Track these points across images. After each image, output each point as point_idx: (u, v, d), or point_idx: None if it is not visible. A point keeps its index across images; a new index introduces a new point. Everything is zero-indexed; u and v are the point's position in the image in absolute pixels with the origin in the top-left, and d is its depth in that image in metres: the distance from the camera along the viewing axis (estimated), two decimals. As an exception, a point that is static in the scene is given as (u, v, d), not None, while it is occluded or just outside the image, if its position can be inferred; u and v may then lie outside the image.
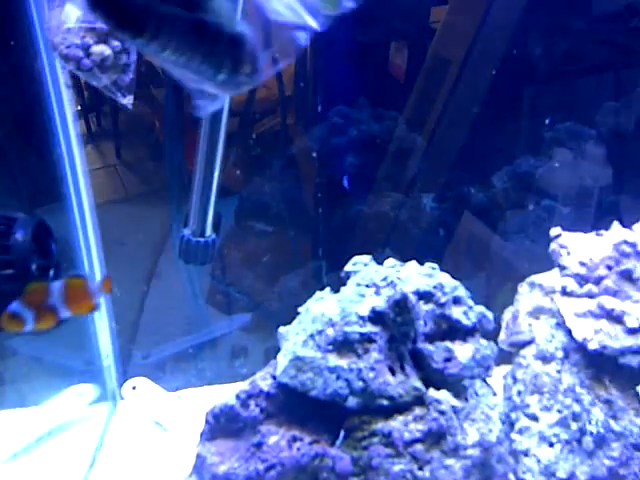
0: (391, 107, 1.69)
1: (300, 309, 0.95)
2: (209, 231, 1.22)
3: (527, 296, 1.10)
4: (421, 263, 1.59)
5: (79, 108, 2.06)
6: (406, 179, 1.67)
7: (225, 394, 1.21)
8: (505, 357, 1.07)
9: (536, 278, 1.11)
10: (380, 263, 1.45)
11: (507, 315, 1.12)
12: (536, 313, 1.07)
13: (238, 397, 0.90)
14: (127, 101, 1.05)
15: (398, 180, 1.66)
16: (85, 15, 0.93)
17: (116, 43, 0.96)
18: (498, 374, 1.03)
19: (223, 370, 1.33)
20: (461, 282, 1.56)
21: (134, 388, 1.19)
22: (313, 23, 0.68)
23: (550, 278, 1.08)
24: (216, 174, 1.21)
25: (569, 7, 1.71)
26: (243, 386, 0.91)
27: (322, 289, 1.09)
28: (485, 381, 0.97)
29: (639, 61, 1.64)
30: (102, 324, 1.20)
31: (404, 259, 1.55)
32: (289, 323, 0.98)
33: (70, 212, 1.17)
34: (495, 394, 0.97)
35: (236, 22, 0.65)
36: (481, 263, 1.46)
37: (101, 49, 0.96)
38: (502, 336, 1.10)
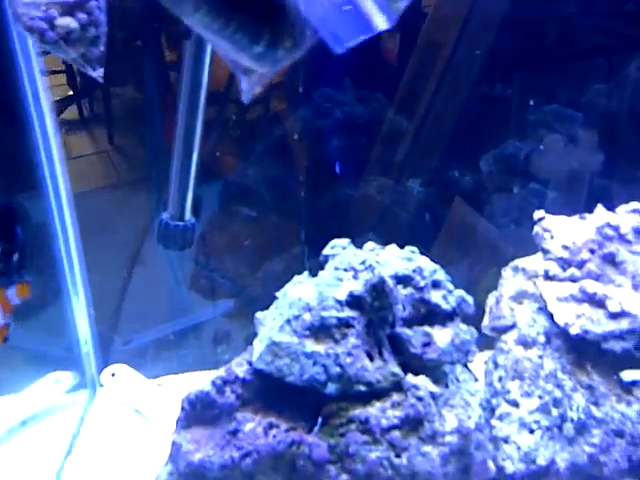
0: (384, 91, 1.67)
1: (278, 294, 0.93)
2: (188, 215, 1.20)
3: (511, 280, 1.09)
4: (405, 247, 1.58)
5: (71, 93, 2.02)
6: (393, 163, 1.65)
7: (206, 381, 1.19)
8: (489, 343, 1.06)
9: (520, 262, 1.09)
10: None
11: (491, 300, 1.11)
12: (519, 297, 1.06)
13: (214, 383, 0.88)
14: (97, 74, 1.02)
15: (385, 164, 1.64)
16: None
17: (82, 15, 0.94)
18: (482, 359, 1.02)
19: (205, 356, 1.31)
20: (448, 266, 1.55)
21: (113, 375, 1.17)
22: (381, 21, 0.61)
23: (533, 262, 1.06)
24: (195, 156, 1.19)
25: None
26: (219, 372, 0.89)
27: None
28: (466, 366, 0.96)
29: (633, 46, 1.61)
30: (80, 310, 1.18)
31: (390, 243, 1.54)
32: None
33: (46, 198, 1.15)
34: (477, 380, 0.96)
35: None
36: (467, 247, 1.45)
37: (66, 22, 0.93)
38: (485, 321, 1.09)
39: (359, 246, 1.23)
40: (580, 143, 1.36)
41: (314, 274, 0.98)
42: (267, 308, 0.99)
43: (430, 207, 1.63)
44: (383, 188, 1.57)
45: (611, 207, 1.05)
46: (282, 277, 1.48)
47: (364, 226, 1.50)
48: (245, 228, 1.56)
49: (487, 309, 1.11)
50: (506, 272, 1.12)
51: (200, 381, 1.21)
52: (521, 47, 1.57)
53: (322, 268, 0.93)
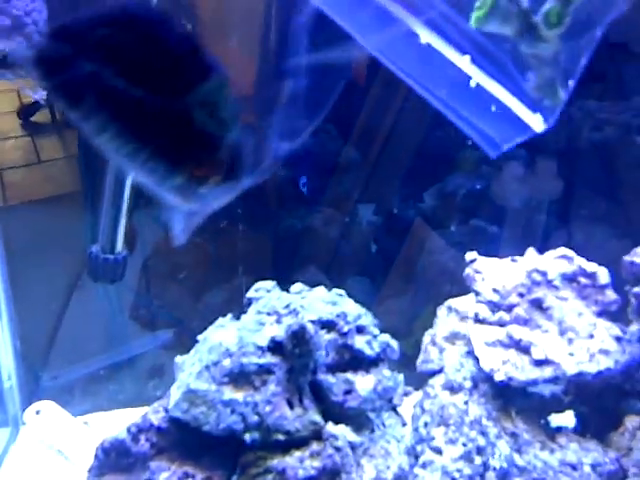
0: (335, 122, 1.65)
1: (199, 337, 0.90)
2: (119, 247, 1.17)
3: (444, 320, 1.08)
4: (349, 279, 1.57)
5: (45, 98, 1.97)
6: (341, 194, 1.64)
7: (134, 419, 1.16)
8: (425, 381, 1.05)
9: (453, 302, 1.08)
10: (304, 282, 1.41)
11: (427, 339, 1.10)
12: (452, 339, 1.05)
13: (129, 431, 0.85)
14: (39, 96, 0.99)
15: (332, 195, 1.63)
16: None
17: (20, 39, 0.92)
18: (415, 401, 1.01)
19: (137, 392, 1.27)
20: (391, 299, 1.54)
21: (38, 413, 1.13)
22: (536, 122, 0.58)
23: (466, 303, 1.06)
24: (127, 185, 1.16)
25: None
26: (135, 419, 0.86)
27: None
28: (395, 410, 0.95)
29: (592, 77, 1.63)
30: (4, 343, 1.14)
31: (334, 277, 1.52)
32: None
33: None
34: (404, 424, 0.95)
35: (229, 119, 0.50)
36: (409, 282, 1.44)
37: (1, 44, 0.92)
38: (420, 359, 1.08)
39: (295, 282, 1.21)
40: (524, 180, 1.37)
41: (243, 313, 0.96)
42: None
43: (376, 239, 1.62)
44: (329, 220, 1.56)
45: (549, 246, 1.05)
46: (222, 309, 1.46)
47: (308, 259, 1.48)
48: (187, 256, 1.53)
49: (423, 347, 1.10)
50: (441, 311, 1.11)
51: (129, 418, 1.18)
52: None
53: (244, 312, 0.91)
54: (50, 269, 1.48)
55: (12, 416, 1.14)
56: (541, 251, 1.02)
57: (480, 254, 1.14)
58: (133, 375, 1.32)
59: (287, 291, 0.98)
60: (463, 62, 0.58)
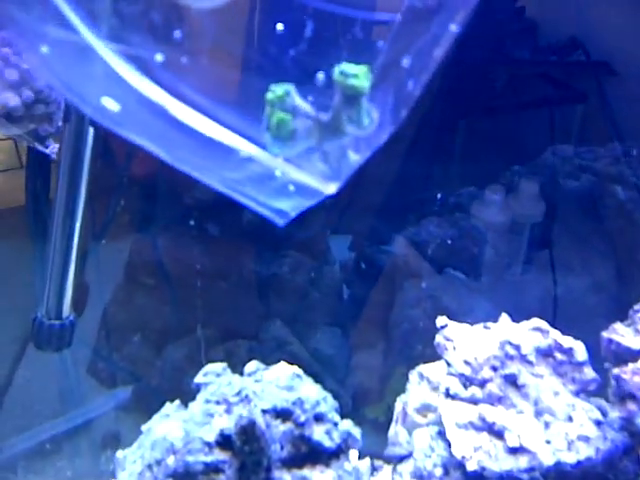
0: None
1: (143, 427, 0.82)
2: (67, 311, 1.09)
3: (416, 388, 1.01)
4: (318, 331, 1.49)
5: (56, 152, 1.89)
6: (312, 236, 1.57)
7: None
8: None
9: (424, 369, 1.01)
10: (268, 338, 1.34)
11: (398, 406, 1.03)
12: (424, 411, 0.98)
13: (63, 538, 0.76)
14: (50, 150, 0.96)
15: (303, 237, 1.56)
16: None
17: (28, 93, 0.87)
18: (385, 477, 0.94)
19: (87, 467, 1.18)
20: (363, 351, 1.46)
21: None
22: (327, 186, 0.55)
23: (437, 371, 0.99)
24: (75, 244, 1.08)
25: (515, 35, 1.65)
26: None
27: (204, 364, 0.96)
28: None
29: (574, 97, 1.58)
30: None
31: (301, 329, 1.44)
32: (170, 401, 0.86)
33: None
34: (371, 512, 0.87)
35: None
36: (381, 335, 1.37)
37: (5, 99, 0.86)
38: (391, 431, 1.01)
39: (265, 340, 1.12)
40: (499, 227, 1.31)
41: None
42: (164, 400, 0.89)
43: (348, 283, 1.55)
44: (298, 265, 1.48)
45: (530, 300, 0.99)
46: (182, 367, 1.38)
47: (274, 310, 1.40)
48: (146, 307, 1.45)
49: (394, 416, 1.03)
50: (412, 376, 1.04)
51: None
52: (465, 98, 1.52)
53: (193, 398, 0.83)
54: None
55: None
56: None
57: (453, 307, 1.07)
58: (85, 445, 1.23)
59: (252, 351, 0.90)
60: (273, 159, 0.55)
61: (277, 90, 0.48)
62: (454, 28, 0.46)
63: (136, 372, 1.39)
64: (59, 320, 1.08)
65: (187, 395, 0.89)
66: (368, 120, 0.48)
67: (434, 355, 1.04)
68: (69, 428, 1.24)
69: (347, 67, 0.46)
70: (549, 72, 1.67)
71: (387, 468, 1.03)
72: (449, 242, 1.27)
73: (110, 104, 0.48)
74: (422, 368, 1.03)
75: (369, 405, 1.19)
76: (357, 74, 0.46)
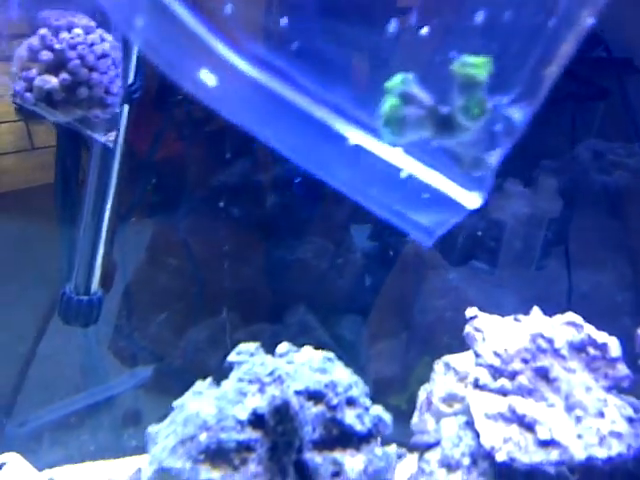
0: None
1: (175, 403, 0.83)
2: (95, 288, 1.10)
3: (442, 378, 1.01)
4: (342, 318, 1.49)
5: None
6: (335, 223, 1.57)
7: (107, 473, 1.08)
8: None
9: (451, 359, 1.01)
10: (292, 323, 1.34)
11: (422, 395, 1.03)
12: (449, 400, 0.98)
13: (96, 509, 0.77)
14: (106, 139, 0.94)
15: (326, 224, 1.56)
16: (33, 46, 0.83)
17: (65, 75, 0.85)
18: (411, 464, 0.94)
19: (110, 442, 1.19)
20: (383, 343, 1.46)
21: (1, 467, 1.04)
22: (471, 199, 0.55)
23: (465, 362, 0.99)
24: (105, 222, 1.09)
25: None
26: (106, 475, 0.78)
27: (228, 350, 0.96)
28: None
29: (596, 93, 1.57)
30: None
31: (324, 316, 1.44)
32: (191, 384, 0.86)
33: None
34: (396, 499, 0.87)
35: None
36: (404, 324, 1.37)
37: (42, 81, 0.85)
38: (415, 419, 1.01)
39: (289, 325, 1.12)
40: (526, 221, 1.30)
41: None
42: (184, 383, 0.89)
43: (370, 271, 1.55)
44: (321, 252, 1.48)
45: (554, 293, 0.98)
46: (205, 349, 1.39)
47: (297, 296, 1.40)
48: (170, 287, 1.45)
49: (418, 404, 1.03)
50: (438, 366, 1.04)
51: (100, 473, 1.10)
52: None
53: (226, 376, 0.83)
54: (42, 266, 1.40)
55: (-26, 468, 1.06)
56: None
57: (478, 299, 1.07)
58: (107, 421, 1.24)
59: (276, 335, 0.91)
60: (395, 155, 0.55)
61: (396, 77, 0.48)
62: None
63: (158, 352, 1.40)
64: (87, 296, 1.09)
65: (209, 376, 0.89)
66: (482, 112, 0.47)
67: (459, 346, 1.04)
68: (91, 404, 1.25)
69: (468, 58, 0.45)
70: (570, 68, 1.65)
71: (410, 456, 1.03)
72: (479, 233, 1.26)
73: (208, 78, 0.48)
74: (448, 358, 1.03)
75: (391, 393, 1.18)
76: (476, 64, 0.45)
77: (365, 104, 0.52)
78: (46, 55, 0.84)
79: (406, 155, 0.55)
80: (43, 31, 0.85)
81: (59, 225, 1.20)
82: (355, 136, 0.54)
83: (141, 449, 1.08)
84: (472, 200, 0.56)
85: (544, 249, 1.41)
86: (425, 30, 0.48)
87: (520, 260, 1.29)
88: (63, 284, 1.12)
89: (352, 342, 1.35)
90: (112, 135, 0.94)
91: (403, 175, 0.55)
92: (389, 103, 0.47)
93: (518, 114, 0.49)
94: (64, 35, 0.85)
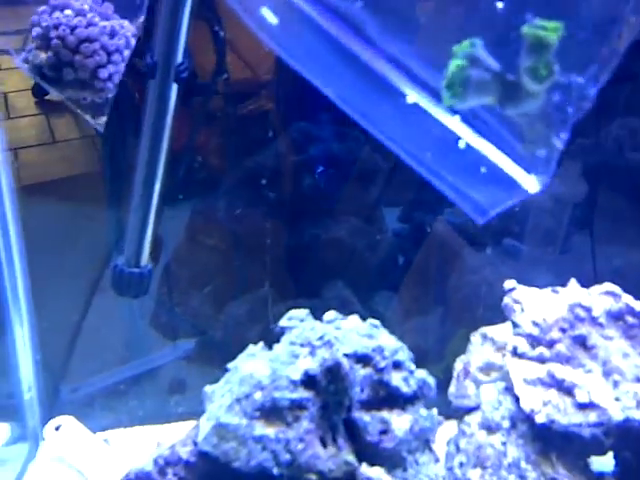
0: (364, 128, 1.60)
1: (230, 365, 0.87)
2: (145, 260, 1.14)
3: (479, 349, 1.05)
4: (377, 294, 1.53)
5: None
6: (367, 203, 1.61)
7: (156, 437, 1.13)
8: (456, 411, 1.01)
9: (488, 330, 1.05)
10: (331, 297, 1.38)
11: (459, 365, 1.06)
12: (487, 369, 1.01)
13: (156, 463, 0.82)
14: (95, 122, 0.97)
15: (358, 204, 1.59)
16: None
17: (50, 54, 0.89)
18: (446, 431, 0.97)
19: (157, 408, 1.25)
20: (417, 318, 1.50)
21: (57, 428, 1.10)
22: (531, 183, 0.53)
23: (502, 332, 1.02)
24: (155, 197, 1.14)
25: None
26: (162, 451, 0.83)
27: (269, 322, 1.00)
28: (429, 447, 0.91)
29: (624, 75, 1.57)
30: (25, 352, 1.11)
31: (359, 291, 1.48)
32: (232, 355, 0.90)
33: None
34: (437, 460, 0.91)
35: None
36: (438, 300, 1.40)
37: (34, 55, 0.89)
38: (452, 389, 1.05)
39: (327, 299, 1.16)
40: (568, 192, 1.32)
41: (275, 334, 0.92)
42: (227, 354, 0.93)
43: (404, 251, 1.58)
44: (355, 230, 1.52)
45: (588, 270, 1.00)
46: (245, 322, 1.43)
47: (333, 272, 1.44)
48: (210, 264, 1.50)
49: (454, 374, 1.06)
50: (475, 338, 1.07)
51: (150, 436, 1.16)
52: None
53: (277, 340, 0.87)
54: (68, 260, 1.45)
55: (31, 430, 1.12)
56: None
57: (512, 276, 1.10)
58: (153, 390, 1.30)
59: (314, 309, 0.94)
60: (453, 121, 0.54)
61: (465, 42, 0.48)
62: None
63: (199, 326, 1.45)
64: (138, 268, 1.13)
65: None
66: (550, 74, 0.47)
67: (493, 320, 1.07)
68: (138, 373, 1.31)
69: (539, 21, 0.46)
70: None
71: (447, 424, 1.07)
72: (512, 213, 1.28)
73: (269, 16, 0.49)
74: (486, 329, 1.06)
75: (427, 365, 1.22)
76: (547, 26, 0.46)
77: (430, 64, 0.52)
78: (35, 31, 0.88)
79: (463, 125, 0.55)
80: (42, 8, 0.88)
81: (108, 204, 1.25)
82: (414, 95, 0.53)
83: (187, 415, 1.14)
84: (533, 182, 0.54)
85: (569, 231, 1.43)
86: (500, 4, 0.49)
87: (556, 239, 1.31)
88: (111, 260, 1.17)
89: (387, 317, 1.39)
90: (102, 119, 0.95)
91: (461, 145, 0.54)
92: (454, 64, 0.48)
93: (589, 91, 0.49)
94: (56, 14, 0.88)
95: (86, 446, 1.08)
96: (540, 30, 0.46)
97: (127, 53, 0.96)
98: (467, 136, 0.55)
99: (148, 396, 1.27)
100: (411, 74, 0.53)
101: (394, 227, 1.69)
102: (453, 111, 0.53)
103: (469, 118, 0.54)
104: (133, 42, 0.96)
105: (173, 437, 0.85)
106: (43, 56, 0.89)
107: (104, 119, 0.95)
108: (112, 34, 0.93)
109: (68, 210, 1.49)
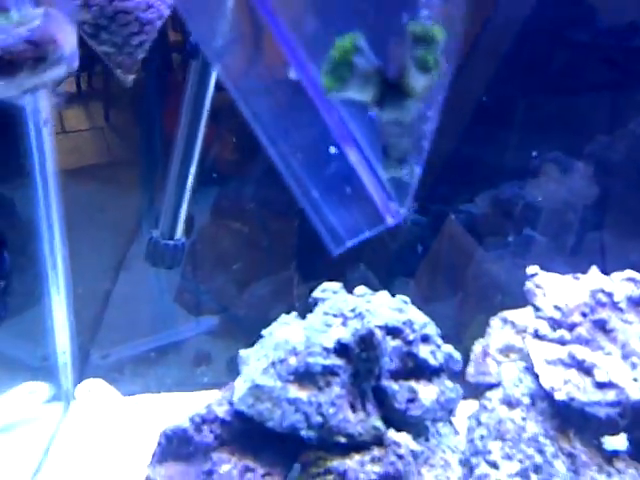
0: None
1: (264, 331, 0.91)
2: (179, 234, 1.18)
3: (498, 332, 1.08)
4: (396, 279, 1.57)
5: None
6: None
7: (182, 404, 1.18)
8: (473, 391, 1.05)
9: (508, 314, 1.08)
10: (353, 279, 1.42)
11: (477, 348, 1.10)
12: (506, 351, 1.05)
13: (192, 420, 0.86)
14: (124, 78, 1.02)
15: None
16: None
17: (89, 16, 0.94)
18: (464, 409, 1.01)
19: (184, 377, 1.29)
20: (435, 304, 1.53)
21: (89, 390, 1.15)
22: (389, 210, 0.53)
23: (523, 316, 1.05)
24: (191, 175, 1.17)
25: (573, 17, 1.66)
26: (198, 409, 0.87)
27: (293, 302, 1.04)
28: (450, 420, 0.95)
29: (634, 82, 1.60)
30: (61, 317, 1.15)
31: (379, 275, 1.52)
32: (255, 331, 0.94)
33: (34, 191, 1.09)
34: (457, 433, 0.95)
35: None
36: (456, 288, 1.44)
37: (79, 11, 0.95)
38: (471, 370, 1.08)
39: (350, 281, 1.20)
40: (579, 193, 1.36)
41: (302, 306, 0.96)
42: (250, 330, 0.97)
43: (423, 239, 1.62)
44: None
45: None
46: (268, 301, 1.47)
47: (356, 257, 1.48)
48: (234, 244, 1.54)
49: (472, 357, 1.10)
50: (494, 322, 1.11)
51: (177, 403, 1.20)
52: (528, 74, 1.55)
53: (310, 310, 0.91)
54: (88, 245, 1.49)
55: (64, 392, 1.16)
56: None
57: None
58: (180, 360, 1.34)
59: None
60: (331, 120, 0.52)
61: (348, 34, 0.47)
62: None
63: (222, 303, 1.49)
64: (172, 241, 1.18)
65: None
66: (437, 66, 0.46)
67: (513, 307, 1.11)
68: (165, 344, 1.35)
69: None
70: (608, 56, 1.68)
71: (463, 402, 1.10)
72: (532, 204, 1.32)
73: None
74: (506, 313, 1.10)
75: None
76: (432, 25, 0.45)
77: (312, 57, 0.50)
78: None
79: (340, 125, 0.52)
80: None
81: (141, 182, 1.29)
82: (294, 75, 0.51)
83: (212, 385, 1.18)
84: (392, 210, 0.53)
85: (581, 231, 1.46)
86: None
87: (576, 231, 1.35)
88: (149, 231, 1.21)
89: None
90: (130, 77, 1.03)
91: (332, 150, 0.53)
92: (340, 45, 0.47)
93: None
94: None
95: (117, 408, 1.12)
96: (424, 25, 0.46)
97: (160, 22, 1.02)
98: (341, 140, 0.53)
99: (175, 366, 1.32)
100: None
101: (412, 217, 1.73)
102: (332, 108, 0.51)
103: (346, 121, 0.52)
104: (167, 13, 1.02)
105: (199, 405, 0.89)
106: (86, 16, 0.95)
107: (132, 77, 1.03)
108: (148, 7, 1.00)
109: (80, 199, 1.53)
